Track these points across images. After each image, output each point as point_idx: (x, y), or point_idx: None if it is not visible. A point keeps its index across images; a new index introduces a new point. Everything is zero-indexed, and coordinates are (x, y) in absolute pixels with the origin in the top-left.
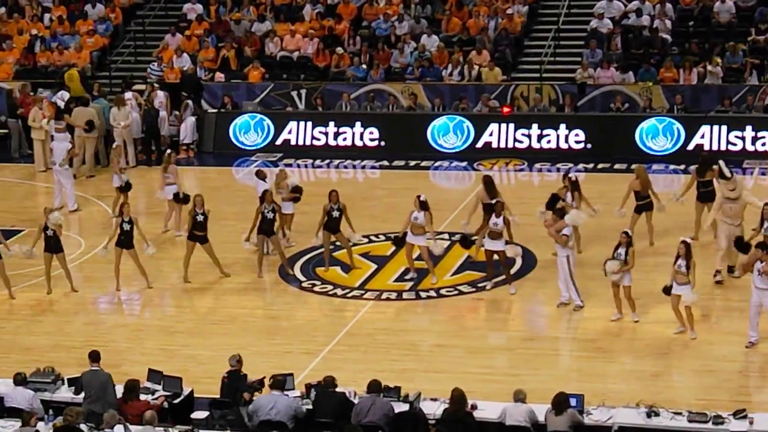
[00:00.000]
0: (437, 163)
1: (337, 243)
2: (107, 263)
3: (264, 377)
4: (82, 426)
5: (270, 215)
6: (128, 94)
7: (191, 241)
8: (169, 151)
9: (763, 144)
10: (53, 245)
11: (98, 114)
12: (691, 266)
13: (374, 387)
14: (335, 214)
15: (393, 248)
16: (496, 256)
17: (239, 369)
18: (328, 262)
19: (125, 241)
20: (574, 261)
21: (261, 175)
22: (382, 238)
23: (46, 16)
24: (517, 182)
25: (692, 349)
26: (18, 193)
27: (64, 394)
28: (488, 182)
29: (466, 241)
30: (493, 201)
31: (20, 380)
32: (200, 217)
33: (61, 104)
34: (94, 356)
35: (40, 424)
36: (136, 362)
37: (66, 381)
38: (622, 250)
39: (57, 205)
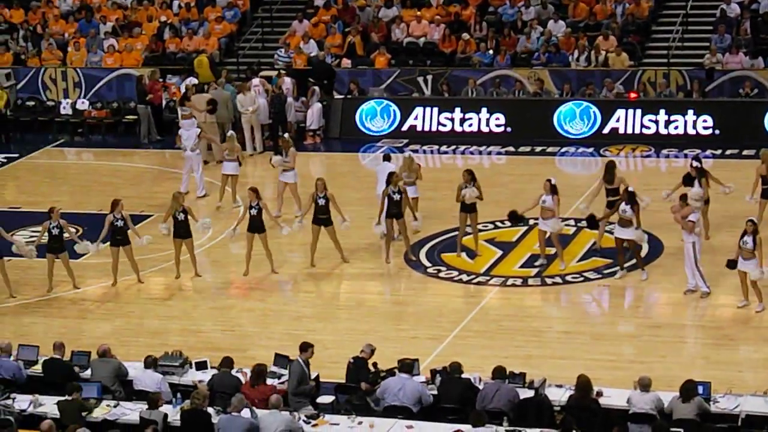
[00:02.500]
0: (563, 149)
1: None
2: (240, 248)
3: (390, 368)
4: (209, 409)
5: (396, 197)
6: (255, 80)
7: (316, 225)
8: (286, 135)
9: None
10: (183, 231)
11: (227, 100)
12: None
13: (499, 373)
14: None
15: (518, 234)
16: (625, 243)
17: (367, 357)
18: (460, 247)
19: (254, 225)
20: (701, 248)
21: (387, 158)
22: (508, 224)
23: (175, 3)
24: (644, 168)
25: None
26: (147, 179)
27: (192, 377)
28: (609, 167)
29: (593, 222)
30: (616, 187)
31: (150, 363)
32: (322, 201)
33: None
34: (227, 362)
35: (168, 407)
36: (263, 347)
37: (194, 365)
38: (748, 239)
39: (183, 190)
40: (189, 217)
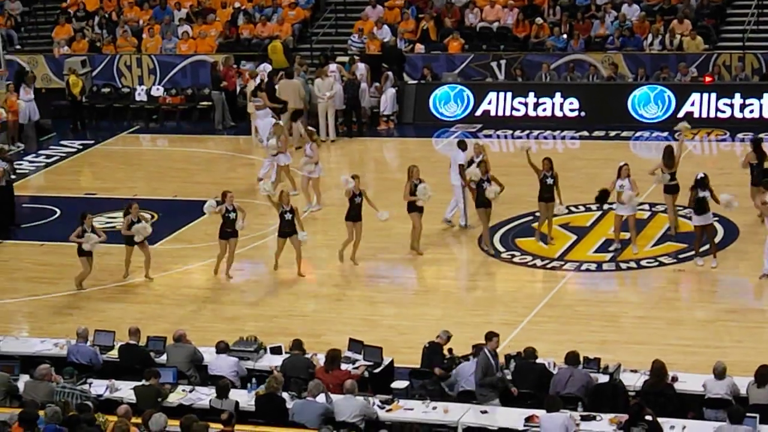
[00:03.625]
0: (638, 134)
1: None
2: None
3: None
4: (284, 394)
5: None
6: (332, 66)
7: (413, 212)
8: (310, 128)
9: None
10: (289, 230)
11: (298, 88)
12: None
13: (572, 359)
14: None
15: (593, 219)
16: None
17: (443, 343)
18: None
19: (354, 215)
20: None
21: (462, 146)
22: (582, 209)
23: None
24: (719, 152)
25: None
26: (222, 165)
27: (267, 362)
28: (669, 151)
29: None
30: (674, 171)
31: (222, 349)
32: (416, 182)
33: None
34: (297, 344)
35: (242, 392)
36: (338, 332)
37: (268, 350)
38: None
39: (261, 175)
40: (296, 218)
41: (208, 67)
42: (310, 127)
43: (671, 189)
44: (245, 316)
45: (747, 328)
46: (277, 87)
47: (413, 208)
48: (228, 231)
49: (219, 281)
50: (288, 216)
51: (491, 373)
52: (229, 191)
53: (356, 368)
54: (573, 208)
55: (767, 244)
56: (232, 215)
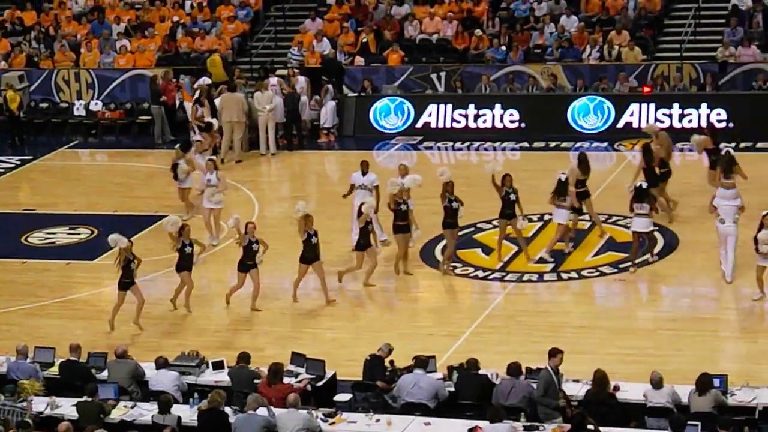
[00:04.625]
0: (577, 144)
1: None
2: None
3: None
4: (227, 409)
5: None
6: (273, 80)
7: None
8: (210, 159)
9: None
10: (312, 256)
11: (240, 101)
12: None
13: (514, 369)
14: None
15: (534, 230)
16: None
17: (384, 356)
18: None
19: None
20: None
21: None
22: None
23: (187, 2)
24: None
25: None
26: (162, 180)
27: (209, 377)
28: (583, 160)
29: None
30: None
31: (161, 364)
32: (404, 207)
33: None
34: (244, 357)
35: (185, 407)
36: (280, 345)
37: (210, 364)
38: (766, 231)
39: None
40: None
41: (147, 81)
42: (210, 158)
43: (582, 195)
44: (187, 330)
45: (688, 336)
46: (217, 101)
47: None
48: (249, 263)
49: (161, 297)
50: (314, 240)
51: (553, 390)
52: (251, 222)
53: (299, 382)
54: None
55: (729, 251)
56: (255, 247)
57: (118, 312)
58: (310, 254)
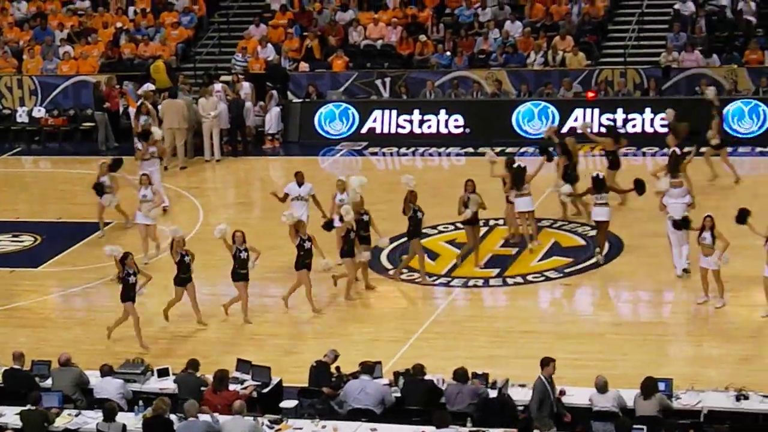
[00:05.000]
0: (522, 149)
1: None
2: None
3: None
4: (172, 416)
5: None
6: (218, 86)
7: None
8: (144, 175)
9: None
10: (308, 262)
11: (187, 106)
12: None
13: (461, 374)
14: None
15: (479, 235)
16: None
17: (330, 362)
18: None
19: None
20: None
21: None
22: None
23: (131, 9)
24: (602, 167)
25: None
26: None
27: (154, 384)
28: (509, 163)
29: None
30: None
31: (106, 371)
32: (366, 217)
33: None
34: (192, 364)
35: (130, 415)
36: (226, 352)
37: (155, 372)
38: (707, 234)
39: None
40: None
41: (90, 87)
42: (144, 173)
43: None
44: (131, 338)
45: (633, 341)
46: (159, 107)
47: (466, 222)
48: (241, 272)
49: (105, 304)
50: (306, 245)
51: (548, 401)
52: (239, 230)
53: (244, 389)
54: (460, 225)
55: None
56: (243, 255)
57: (119, 326)
58: (305, 259)
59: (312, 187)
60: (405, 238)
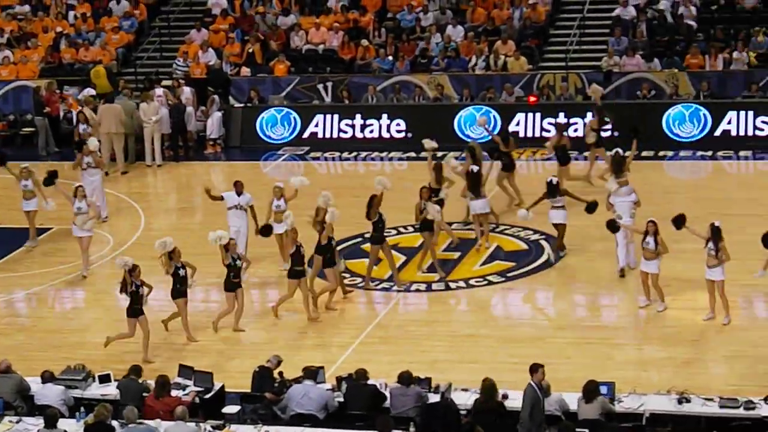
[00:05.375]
0: (464, 154)
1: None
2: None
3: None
4: (113, 422)
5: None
6: (159, 91)
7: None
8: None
9: None
10: (301, 272)
11: (129, 111)
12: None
13: (405, 378)
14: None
15: (422, 240)
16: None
17: (272, 368)
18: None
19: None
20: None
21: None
22: (411, 229)
23: (71, 13)
24: (544, 171)
25: (724, 335)
26: (46, 192)
27: (95, 391)
28: (437, 167)
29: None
30: (438, 188)
31: (47, 378)
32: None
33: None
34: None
35: (71, 421)
36: (168, 358)
37: (97, 378)
38: (650, 239)
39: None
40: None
41: (30, 92)
42: (79, 185)
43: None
44: (73, 344)
45: (575, 345)
46: (98, 112)
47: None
48: (235, 281)
49: (45, 309)
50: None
51: (539, 407)
52: (231, 238)
53: (186, 394)
54: (402, 229)
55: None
56: (237, 263)
57: (124, 339)
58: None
59: (251, 197)
60: (345, 243)
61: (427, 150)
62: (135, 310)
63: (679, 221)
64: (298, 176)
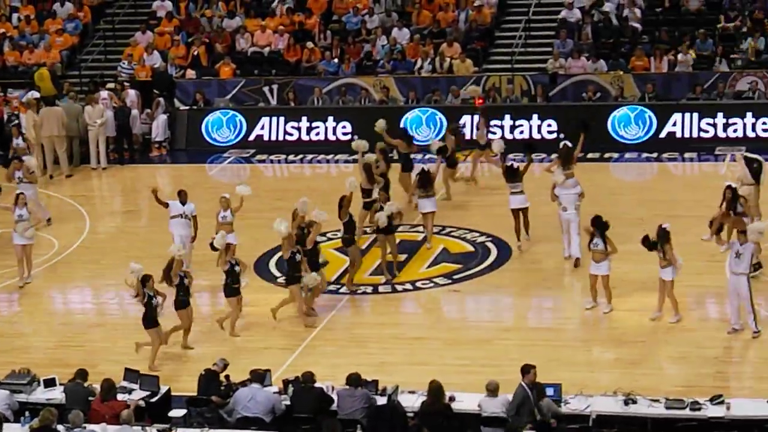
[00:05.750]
0: (412, 156)
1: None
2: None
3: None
4: (59, 426)
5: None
6: (104, 93)
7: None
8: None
9: (735, 130)
10: (297, 277)
11: (74, 114)
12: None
13: (354, 380)
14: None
15: (367, 243)
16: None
17: (219, 371)
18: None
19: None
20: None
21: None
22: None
23: (14, 15)
24: (490, 173)
25: (670, 336)
26: None
27: (40, 395)
28: (366, 168)
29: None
30: (370, 188)
31: None
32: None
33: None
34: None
35: (16, 426)
36: (113, 362)
37: (42, 382)
38: (598, 240)
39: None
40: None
41: None
42: (20, 192)
43: (367, 205)
44: (18, 348)
45: (522, 346)
46: (39, 115)
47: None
48: (235, 286)
49: None
50: (297, 257)
51: (527, 408)
52: (230, 243)
53: (132, 398)
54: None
55: (573, 234)
56: (237, 269)
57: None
58: (295, 272)
59: (195, 207)
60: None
61: (356, 150)
62: (150, 320)
63: (649, 244)
64: (242, 184)
